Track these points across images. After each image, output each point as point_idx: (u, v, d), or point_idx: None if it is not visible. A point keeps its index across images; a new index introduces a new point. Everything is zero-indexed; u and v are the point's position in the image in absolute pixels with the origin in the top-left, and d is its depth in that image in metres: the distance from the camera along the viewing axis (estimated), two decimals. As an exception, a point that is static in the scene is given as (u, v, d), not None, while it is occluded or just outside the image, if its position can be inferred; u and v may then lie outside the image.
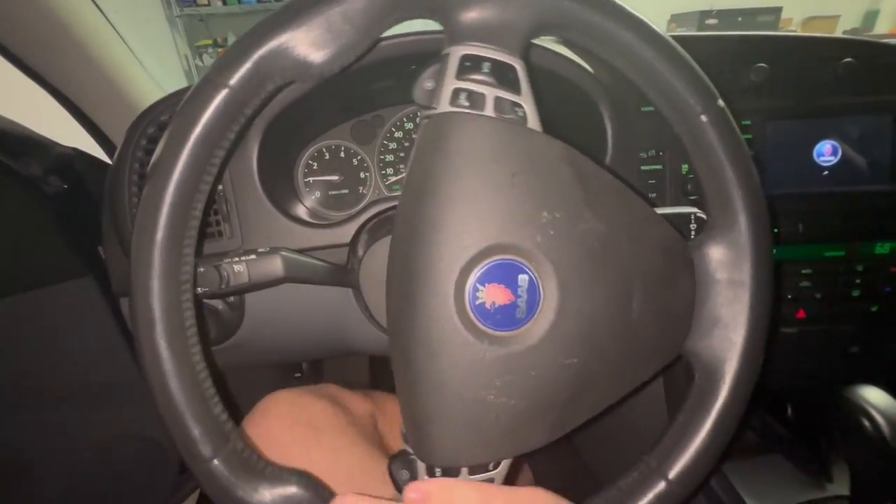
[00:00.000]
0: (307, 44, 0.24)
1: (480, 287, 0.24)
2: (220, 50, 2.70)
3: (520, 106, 0.25)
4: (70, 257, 0.54)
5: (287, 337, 0.47)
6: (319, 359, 0.88)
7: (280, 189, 0.47)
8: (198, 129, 0.24)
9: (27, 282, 0.51)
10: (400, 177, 0.54)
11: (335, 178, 0.53)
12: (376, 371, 1.03)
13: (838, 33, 2.38)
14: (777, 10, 2.25)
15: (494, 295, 0.24)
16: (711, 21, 2.16)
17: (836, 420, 0.43)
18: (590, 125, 0.46)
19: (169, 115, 0.41)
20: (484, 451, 0.26)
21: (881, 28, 2.38)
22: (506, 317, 0.24)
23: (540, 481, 0.78)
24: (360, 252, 0.44)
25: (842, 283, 0.48)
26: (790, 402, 0.54)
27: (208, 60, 2.63)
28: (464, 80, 0.25)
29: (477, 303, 0.24)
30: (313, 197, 0.53)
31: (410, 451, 0.27)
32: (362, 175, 0.53)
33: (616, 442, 0.72)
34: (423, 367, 0.25)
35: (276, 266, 0.34)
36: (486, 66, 0.25)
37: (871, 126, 0.47)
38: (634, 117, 0.45)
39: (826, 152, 0.47)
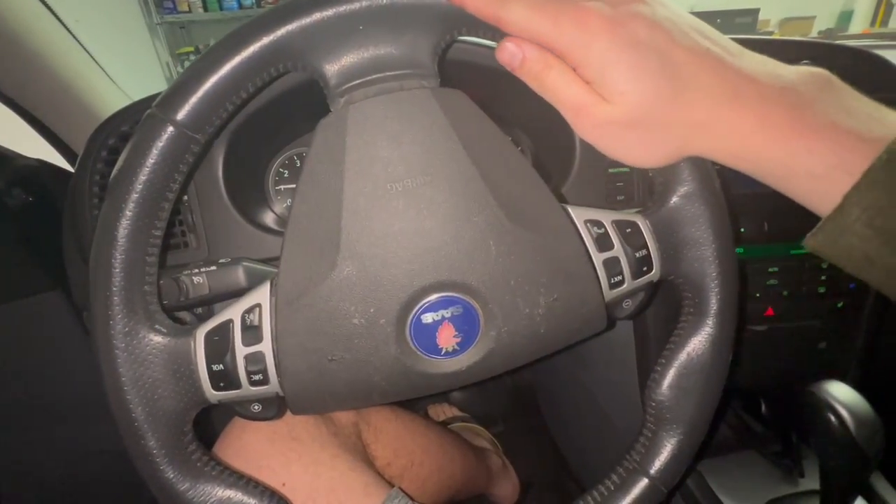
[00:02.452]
0: None
1: (437, 332, 0.26)
2: (201, 56, 2.67)
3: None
4: (35, 271, 0.53)
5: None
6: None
7: (248, 197, 0.47)
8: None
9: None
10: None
11: (306, 185, 0.52)
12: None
13: (814, 34, 2.44)
14: (755, 12, 2.30)
15: (445, 334, 0.26)
16: (690, 22, 2.19)
17: (805, 416, 0.44)
18: (557, 128, 0.46)
19: (130, 125, 0.41)
20: None
21: (855, 28, 2.44)
22: (466, 337, 0.27)
23: (526, 483, 0.78)
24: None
25: (808, 281, 0.49)
26: (763, 399, 0.55)
27: (190, 67, 2.61)
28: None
29: (440, 349, 0.26)
30: (284, 205, 0.52)
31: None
32: (334, 182, 0.53)
33: (598, 445, 0.72)
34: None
35: (237, 276, 0.34)
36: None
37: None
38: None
39: (789, 152, 0.48)
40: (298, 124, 0.50)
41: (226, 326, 0.26)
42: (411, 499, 0.37)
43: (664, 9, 0.24)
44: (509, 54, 0.25)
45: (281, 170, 0.52)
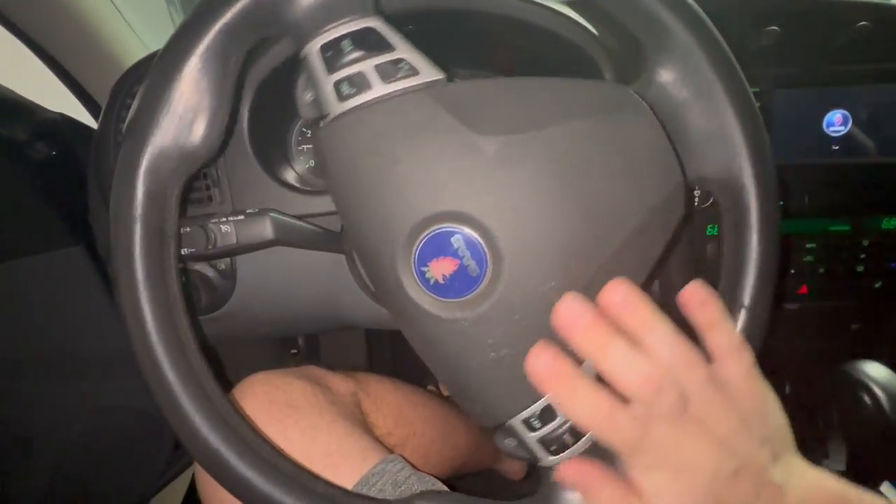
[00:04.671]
0: None
1: (424, 268, 0.24)
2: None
3: (401, 60, 0.24)
4: (58, 226, 0.53)
5: (280, 306, 0.47)
6: (315, 334, 0.87)
7: (271, 154, 0.46)
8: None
9: (14, 249, 0.50)
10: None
11: (329, 146, 0.51)
12: (373, 349, 1.03)
13: None
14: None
15: (440, 268, 0.24)
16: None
17: (836, 395, 0.43)
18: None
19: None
20: (523, 395, 0.25)
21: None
22: (462, 281, 0.24)
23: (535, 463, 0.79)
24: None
25: (846, 259, 0.47)
26: (788, 379, 0.54)
27: (205, 37, 2.58)
28: (336, 70, 0.24)
29: (431, 283, 0.24)
30: (306, 165, 0.51)
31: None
32: (357, 144, 0.52)
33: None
34: (426, 354, 0.26)
35: (264, 228, 0.33)
36: (346, 45, 0.24)
37: (885, 96, 0.45)
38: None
39: (836, 122, 0.46)
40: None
41: None
42: (412, 465, 0.37)
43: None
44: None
45: (304, 129, 0.51)
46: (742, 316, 0.27)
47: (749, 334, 0.26)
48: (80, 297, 0.55)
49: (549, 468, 0.25)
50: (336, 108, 0.24)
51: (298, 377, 0.43)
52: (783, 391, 0.54)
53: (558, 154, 0.24)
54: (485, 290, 0.24)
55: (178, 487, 0.75)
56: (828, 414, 0.49)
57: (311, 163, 0.51)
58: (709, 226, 0.48)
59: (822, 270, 0.47)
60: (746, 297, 0.27)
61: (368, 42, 0.24)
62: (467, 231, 0.23)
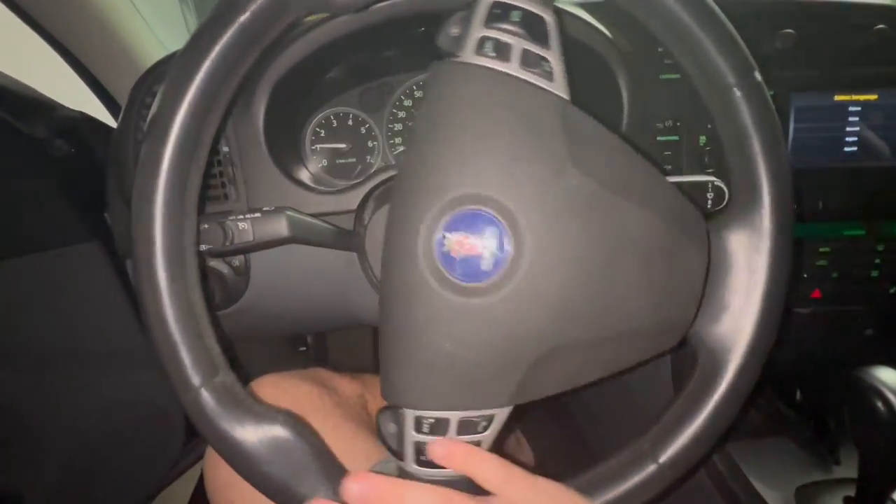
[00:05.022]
0: None
1: (446, 234, 0.24)
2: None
3: (546, 60, 0.24)
4: (76, 221, 0.54)
5: (292, 304, 0.47)
6: (324, 333, 0.88)
7: (285, 154, 0.46)
8: (206, 63, 0.23)
9: (33, 244, 0.51)
10: (408, 146, 0.53)
11: (342, 146, 0.52)
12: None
13: None
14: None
15: (460, 244, 0.24)
16: None
17: (848, 400, 0.42)
18: (605, 92, 0.44)
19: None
20: (438, 399, 0.25)
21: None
22: (470, 268, 0.24)
23: (540, 460, 0.79)
24: (367, 218, 0.43)
25: (860, 263, 0.47)
26: (799, 384, 0.54)
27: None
28: (491, 28, 0.24)
29: (443, 251, 0.24)
30: (319, 164, 0.52)
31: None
32: (370, 144, 0.52)
33: (620, 425, 0.71)
34: (390, 311, 0.25)
35: (280, 225, 0.34)
36: (515, 16, 0.24)
37: (901, 99, 0.45)
38: (652, 86, 0.44)
39: (852, 126, 0.46)
40: (336, 82, 0.49)
41: None
42: None
43: None
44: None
45: (318, 129, 0.51)
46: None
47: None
48: (96, 292, 0.56)
49: (406, 471, 0.26)
50: (468, 55, 0.24)
51: (305, 380, 0.43)
52: (794, 397, 0.53)
53: (620, 228, 0.24)
54: (483, 288, 0.24)
55: (190, 477, 0.76)
56: (839, 420, 0.49)
57: (325, 162, 0.52)
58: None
59: (835, 275, 0.47)
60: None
61: (533, 27, 0.24)
62: (507, 231, 0.24)
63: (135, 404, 0.65)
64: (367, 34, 0.41)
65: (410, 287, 0.24)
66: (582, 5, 0.44)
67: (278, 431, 0.25)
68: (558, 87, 0.25)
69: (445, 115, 0.24)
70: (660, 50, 0.43)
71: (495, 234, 0.24)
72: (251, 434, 0.24)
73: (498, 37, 0.24)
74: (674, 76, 0.44)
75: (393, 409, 0.26)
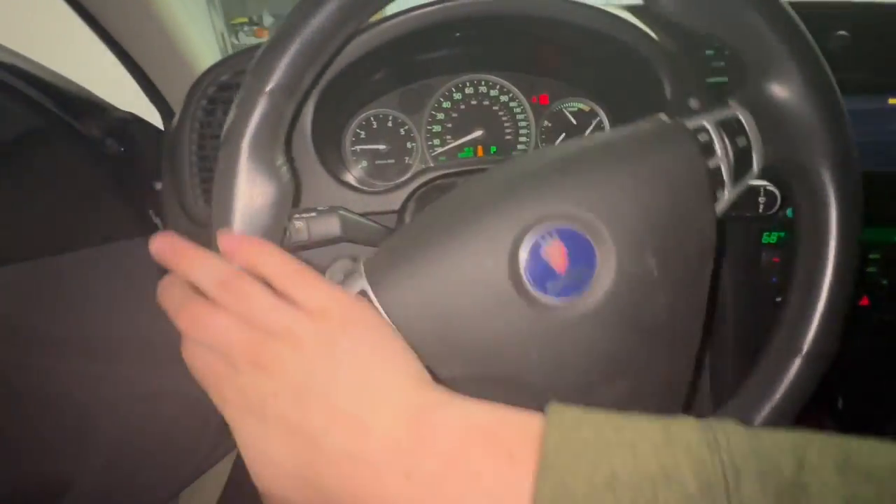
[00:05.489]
0: None
1: (542, 240, 0.26)
2: (255, 28, 2.72)
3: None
4: (126, 218, 0.56)
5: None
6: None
7: (330, 156, 0.47)
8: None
9: (88, 239, 0.53)
10: (447, 148, 0.53)
11: (382, 147, 0.53)
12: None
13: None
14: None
15: (553, 253, 0.26)
16: None
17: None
18: (648, 96, 0.44)
19: (230, 74, 0.42)
20: None
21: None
22: (542, 276, 0.26)
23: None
24: (408, 219, 0.44)
25: (911, 271, 0.46)
26: (840, 394, 0.52)
27: (244, 38, 2.66)
28: (723, 155, 0.29)
29: (535, 259, 0.26)
30: (360, 166, 0.53)
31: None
32: (409, 145, 0.53)
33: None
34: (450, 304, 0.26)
35: (333, 224, 0.34)
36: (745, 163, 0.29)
37: (957, 103, 0.44)
38: (698, 90, 0.43)
39: (905, 130, 0.44)
40: (376, 84, 0.50)
41: None
42: None
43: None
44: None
45: (358, 130, 0.52)
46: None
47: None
48: (136, 286, 0.58)
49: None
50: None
51: None
52: (837, 406, 0.52)
53: None
54: (551, 305, 0.26)
55: (222, 470, 0.78)
56: (881, 431, 0.47)
57: (364, 163, 0.53)
58: (764, 233, 0.47)
59: (884, 282, 0.46)
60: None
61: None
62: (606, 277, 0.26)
63: (174, 395, 0.67)
64: (414, 38, 0.41)
65: (477, 287, 0.26)
66: (626, 7, 0.44)
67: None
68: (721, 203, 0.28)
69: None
70: (708, 53, 0.43)
71: (591, 273, 0.26)
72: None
73: (716, 165, 0.28)
74: (722, 80, 0.43)
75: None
